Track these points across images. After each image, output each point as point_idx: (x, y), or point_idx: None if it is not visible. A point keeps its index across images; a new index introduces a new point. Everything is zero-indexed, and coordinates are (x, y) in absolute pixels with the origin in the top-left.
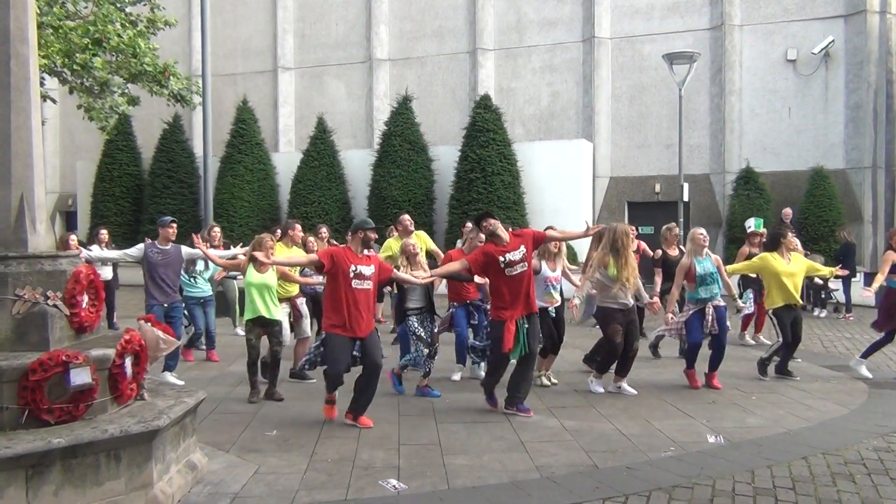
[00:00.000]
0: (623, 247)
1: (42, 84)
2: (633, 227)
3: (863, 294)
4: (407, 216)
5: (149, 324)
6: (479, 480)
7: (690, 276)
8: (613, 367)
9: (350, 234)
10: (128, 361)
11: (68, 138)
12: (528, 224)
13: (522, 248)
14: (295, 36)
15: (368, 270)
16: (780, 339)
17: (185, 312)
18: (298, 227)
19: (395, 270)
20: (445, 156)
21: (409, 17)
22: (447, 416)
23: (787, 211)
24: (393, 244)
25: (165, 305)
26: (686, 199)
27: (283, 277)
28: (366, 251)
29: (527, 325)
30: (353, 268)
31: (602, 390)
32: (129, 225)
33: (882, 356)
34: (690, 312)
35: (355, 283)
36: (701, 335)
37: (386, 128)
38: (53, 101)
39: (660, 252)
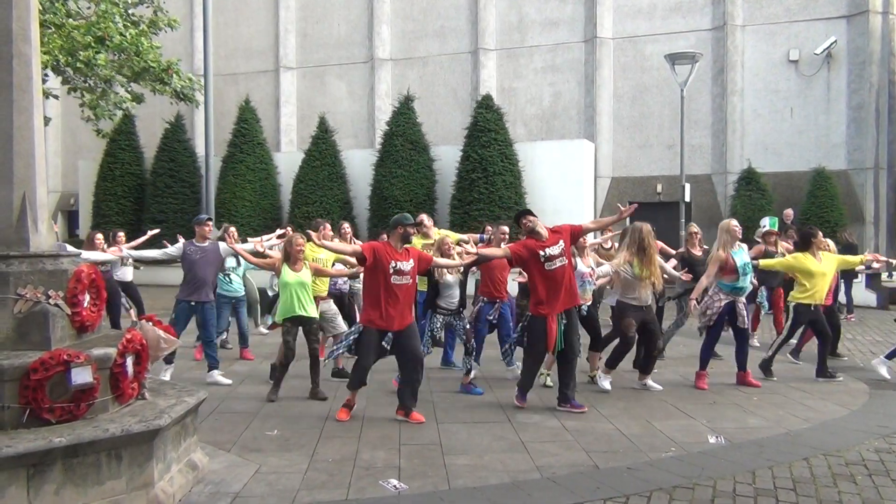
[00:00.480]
0: (647, 245)
1: (44, 81)
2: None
3: None
4: (425, 216)
5: (150, 323)
6: (480, 480)
7: (731, 268)
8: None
9: (389, 229)
10: (129, 361)
11: (70, 138)
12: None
13: (561, 242)
14: (297, 35)
15: (407, 266)
16: (785, 334)
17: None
18: (328, 226)
19: (434, 258)
20: (447, 156)
21: (410, 16)
22: (448, 417)
23: (789, 212)
24: (416, 243)
25: (193, 303)
26: (688, 199)
27: (317, 273)
28: (405, 246)
29: (565, 322)
30: (392, 264)
31: (609, 387)
32: (130, 224)
33: None
34: (723, 304)
35: (394, 279)
36: (720, 331)
37: (387, 127)
38: (56, 97)
39: (682, 251)
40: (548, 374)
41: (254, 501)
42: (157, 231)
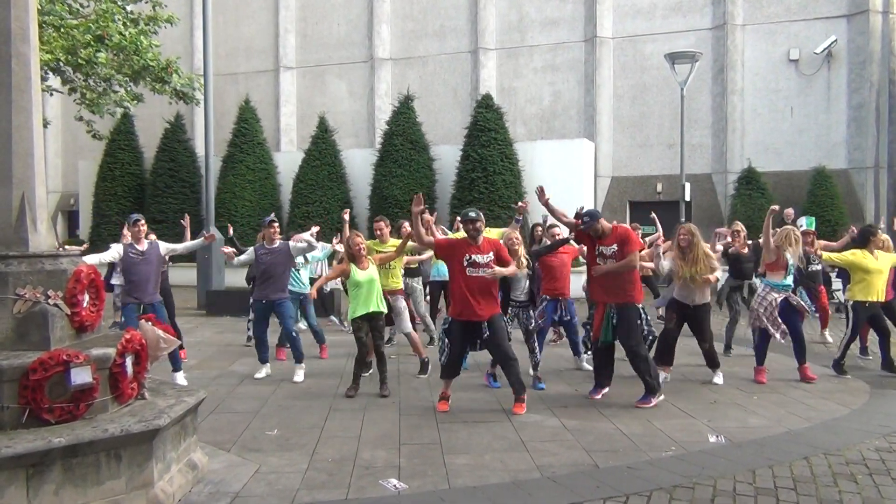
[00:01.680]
0: (689, 245)
1: (44, 80)
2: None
3: None
4: (383, 223)
5: (149, 323)
6: (481, 480)
7: (782, 264)
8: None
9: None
10: (128, 361)
11: (70, 138)
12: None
13: (615, 245)
14: (297, 35)
15: (483, 258)
16: (850, 333)
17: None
18: (385, 222)
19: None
20: (447, 155)
21: (410, 16)
22: (448, 416)
23: (790, 211)
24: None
25: (264, 302)
26: (688, 198)
27: (383, 260)
28: (479, 238)
29: (614, 315)
30: (466, 257)
31: (666, 380)
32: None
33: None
34: (777, 301)
35: (469, 272)
36: (798, 324)
37: (387, 127)
38: (59, 92)
39: (731, 249)
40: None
41: (254, 501)
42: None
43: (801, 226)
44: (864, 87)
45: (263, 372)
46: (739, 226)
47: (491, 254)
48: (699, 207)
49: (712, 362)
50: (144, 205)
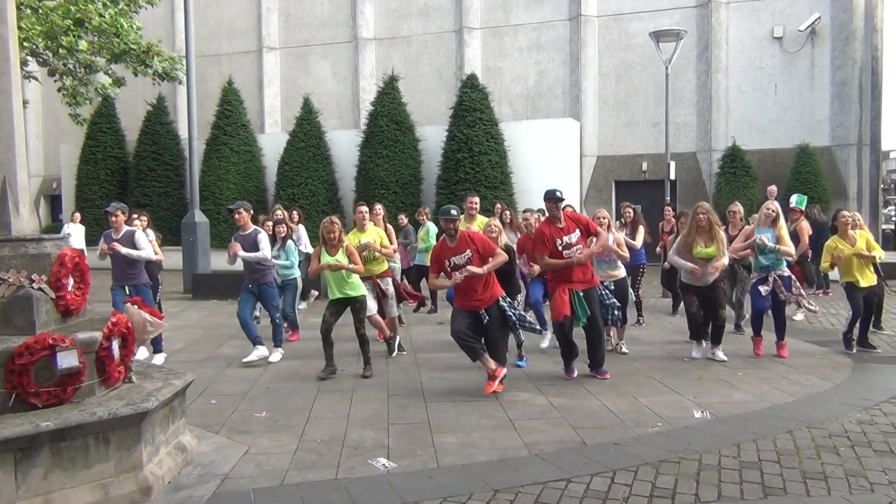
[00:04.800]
0: (710, 224)
1: (25, 65)
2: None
3: None
4: (474, 198)
5: (135, 306)
6: (469, 458)
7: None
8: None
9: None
10: (115, 344)
11: (51, 121)
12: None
13: (578, 231)
14: (280, 15)
15: (461, 258)
16: (852, 313)
17: None
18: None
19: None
20: (432, 136)
21: None
22: (436, 396)
23: (773, 188)
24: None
25: (250, 287)
26: (673, 177)
27: (350, 254)
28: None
29: (582, 294)
30: (447, 262)
31: (699, 356)
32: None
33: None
34: (755, 280)
35: (456, 275)
36: (765, 302)
37: (372, 108)
38: (37, 79)
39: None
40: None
41: (243, 482)
42: None
43: (793, 202)
44: (847, 64)
45: (255, 355)
46: (736, 206)
47: (468, 251)
48: (684, 186)
49: (718, 338)
50: (128, 188)
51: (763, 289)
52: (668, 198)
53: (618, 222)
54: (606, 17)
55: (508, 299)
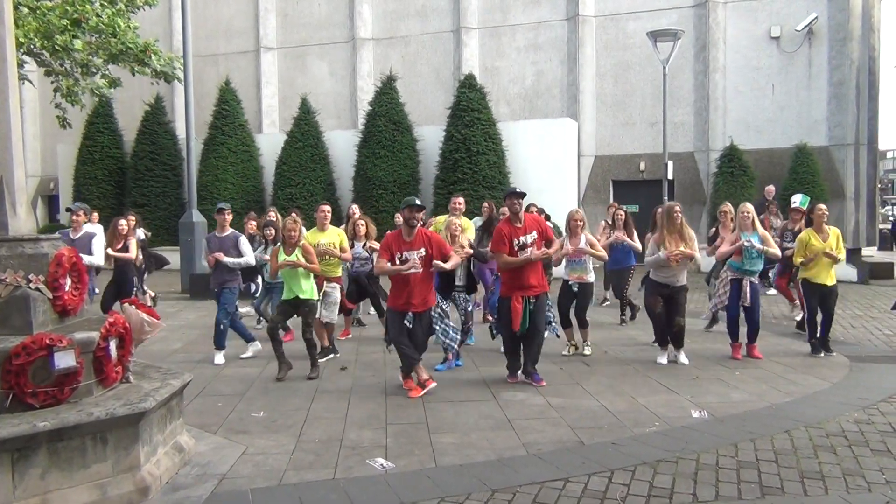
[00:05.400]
0: (663, 224)
1: (22, 66)
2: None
3: None
4: (459, 198)
5: (133, 307)
6: (467, 458)
7: (739, 249)
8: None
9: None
10: (112, 344)
11: (49, 121)
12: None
13: (535, 233)
14: (277, 15)
15: (414, 255)
16: (806, 312)
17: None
18: (354, 207)
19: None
20: (430, 136)
21: None
22: (434, 396)
23: (771, 188)
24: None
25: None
26: (670, 177)
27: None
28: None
29: (533, 303)
30: (398, 255)
31: (665, 361)
32: (112, 208)
33: (863, 331)
34: (729, 280)
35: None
36: (738, 308)
37: (370, 108)
38: (32, 83)
39: (713, 230)
40: (572, 344)
41: (241, 482)
42: None
43: (795, 203)
44: (844, 64)
45: (251, 351)
46: (727, 206)
47: (422, 250)
48: (682, 186)
49: (679, 341)
50: (126, 188)
51: (746, 293)
52: (666, 197)
53: (603, 223)
54: (604, 17)
55: (440, 309)
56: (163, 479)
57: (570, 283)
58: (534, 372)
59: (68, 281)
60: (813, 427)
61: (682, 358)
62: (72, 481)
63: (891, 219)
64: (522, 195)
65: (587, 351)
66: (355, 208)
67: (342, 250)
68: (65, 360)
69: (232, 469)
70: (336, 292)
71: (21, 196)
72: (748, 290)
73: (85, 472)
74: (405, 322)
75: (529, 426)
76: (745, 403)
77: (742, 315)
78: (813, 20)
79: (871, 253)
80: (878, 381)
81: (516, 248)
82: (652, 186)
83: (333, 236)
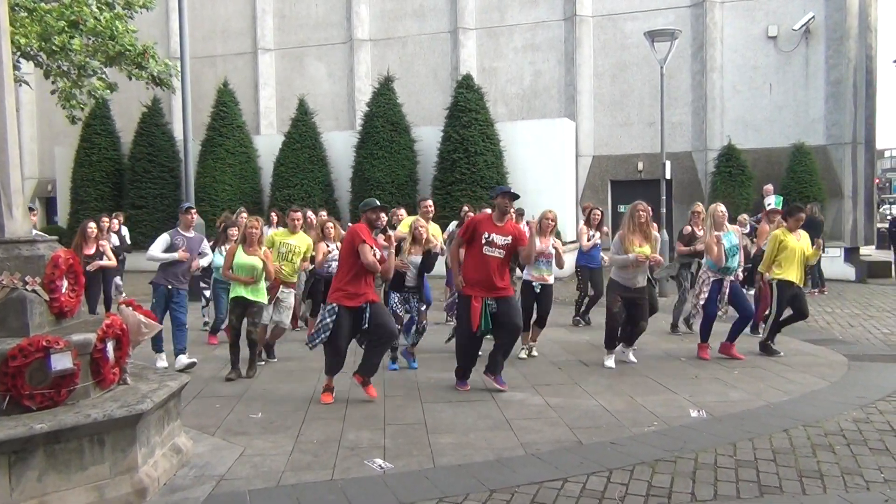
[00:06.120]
0: (642, 223)
1: (18, 68)
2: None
3: None
4: (428, 202)
5: (130, 308)
6: (465, 458)
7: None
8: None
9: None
10: (109, 346)
11: (46, 123)
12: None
13: (510, 238)
14: (275, 17)
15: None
16: (774, 312)
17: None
18: (322, 213)
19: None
20: (428, 136)
21: None
22: (432, 396)
23: (769, 187)
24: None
25: (169, 288)
26: (668, 176)
27: (266, 259)
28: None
29: (493, 305)
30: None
31: (613, 365)
32: (109, 210)
33: (861, 329)
34: (711, 281)
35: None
36: (717, 308)
37: (368, 109)
38: (29, 84)
39: (688, 230)
40: (527, 347)
41: (239, 483)
42: None
43: (770, 204)
44: (841, 63)
45: (161, 363)
46: (699, 207)
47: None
48: (680, 185)
49: (632, 340)
50: (123, 190)
51: (725, 293)
52: (664, 197)
53: (585, 225)
54: (601, 17)
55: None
56: (160, 480)
57: (532, 283)
58: (499, 374)
59: (65, 283)
60: (811, 426)
61: (631, 357)
62: (69, 483)
63: (888, 217)
64: (516, 197)
65: (533, 353)
66: (322, 215)
67: (304, 258)
68: (62, 362)
69: (230, 470)
70: (290, 298)
71: (17, 198)
72: (727, 289)
73: (82, 474)
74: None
75: (528, 426)
76: (744, 402)
77: (733, 310)
78: (810, 19)
79: (868, 252)
80: (877, 380)
81: (483, 242)
82: (650, 186)
83: (302, 242)
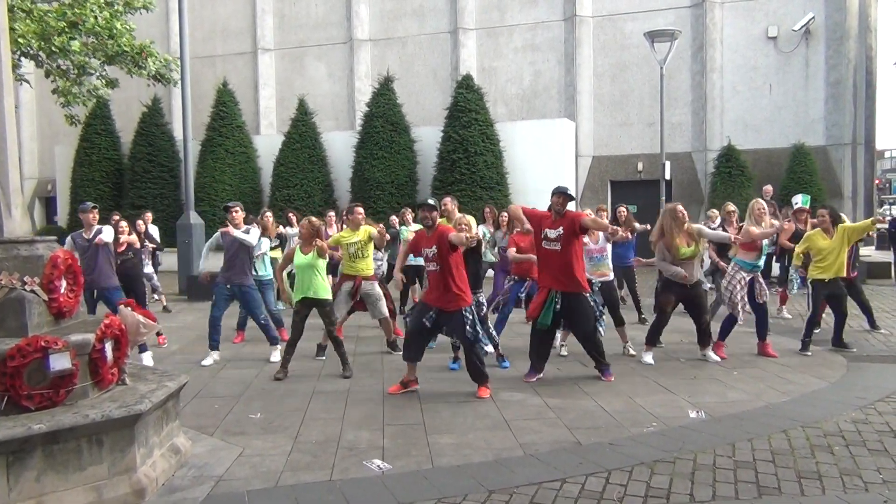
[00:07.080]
0: (683, 224)
1: (18, 68)
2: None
3: None
4: (448, 198)
5: (128, 308)
6: (464, 459)
7: (756, 245)
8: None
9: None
10: (108, 346)
11: (46, 123)
12: (511, 203)
13: (562, 228)
14: (274, 16)
15: (430, 252)
16: (811, 312)
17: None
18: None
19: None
20: (428, 137)
21: None
22: (431, 397)
23: (768, 188)
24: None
25: (228, 286)
26: (668, 177)
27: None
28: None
29: (558, 300)
30: (423, 252)
31: (652, 361)
32: (109, 210)
33: (861, 330)
34: (746, 281)
35: (428, 266)
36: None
37: (368, 109)
38: (29, 83)
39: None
40: (563, 345)
41: (237, 484)
42: None
43: (797, 203)
44: (841, 63)
45: (211, 359)
46: (730, 206)
47: (435, 247)
48: (679, 186)
49: (707, 339)
50: (123, 190)
51: (763, 290)
52: (664, 197)
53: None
54: (601, 18)
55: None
56: (159, 481)
57: (592, 280)
58: (604, 367)
59: (64, 283)
60: (810, 427)
61: (712, 355)
62: (67, 484)
63: (888, 218)
64: (571, 198)
65: (631, 351)
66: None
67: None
68: (60, 362)
69: (228, 471)
70: (375, 288)
71: (16, 198)
72: (759, 287)
73: (81, 475)
74: (424, 320)
75: (527, 426)
76: (743, 403)
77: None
78: (810, 20)
79: (868, 252)
80: (876, 381)
81: (541, 238)
82: (650, 186)
83: (363, 234)
